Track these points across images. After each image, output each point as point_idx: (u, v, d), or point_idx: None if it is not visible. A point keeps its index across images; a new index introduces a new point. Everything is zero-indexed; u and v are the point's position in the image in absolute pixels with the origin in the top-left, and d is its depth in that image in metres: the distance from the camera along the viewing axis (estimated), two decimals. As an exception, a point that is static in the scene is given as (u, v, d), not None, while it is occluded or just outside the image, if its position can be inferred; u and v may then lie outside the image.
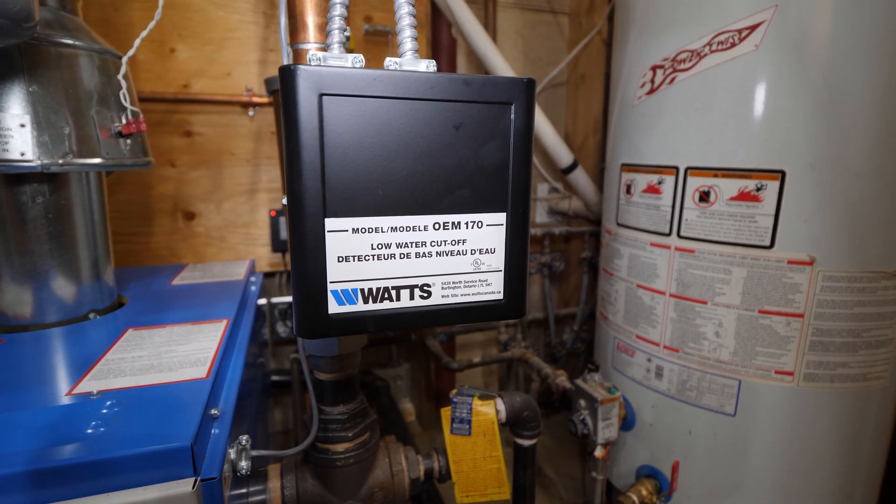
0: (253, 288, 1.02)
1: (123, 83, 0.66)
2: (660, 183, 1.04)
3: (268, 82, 0.94)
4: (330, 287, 0.35)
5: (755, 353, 0.93)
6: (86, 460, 0.39)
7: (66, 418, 0.45)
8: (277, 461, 0.64)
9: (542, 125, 1.54)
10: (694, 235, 0.98)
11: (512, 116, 0.36)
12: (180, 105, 1.32)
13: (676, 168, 0.99)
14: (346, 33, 0.39)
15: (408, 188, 0.35)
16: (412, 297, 0.37)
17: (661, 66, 1.00)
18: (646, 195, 1.08)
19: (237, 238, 1.50)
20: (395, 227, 0.35)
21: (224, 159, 1.42)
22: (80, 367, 0.55)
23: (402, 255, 0.36)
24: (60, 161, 0.61)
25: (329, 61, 0.34)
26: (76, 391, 0.49)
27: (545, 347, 2.01)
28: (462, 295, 0.38)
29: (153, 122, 1.29)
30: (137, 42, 0.68)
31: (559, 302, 2.01)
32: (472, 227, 0.37)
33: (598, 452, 1.14)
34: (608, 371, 1.24)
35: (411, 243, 0.36)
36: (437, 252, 0.37)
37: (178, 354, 0.59)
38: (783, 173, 0.86)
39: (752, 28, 0.86)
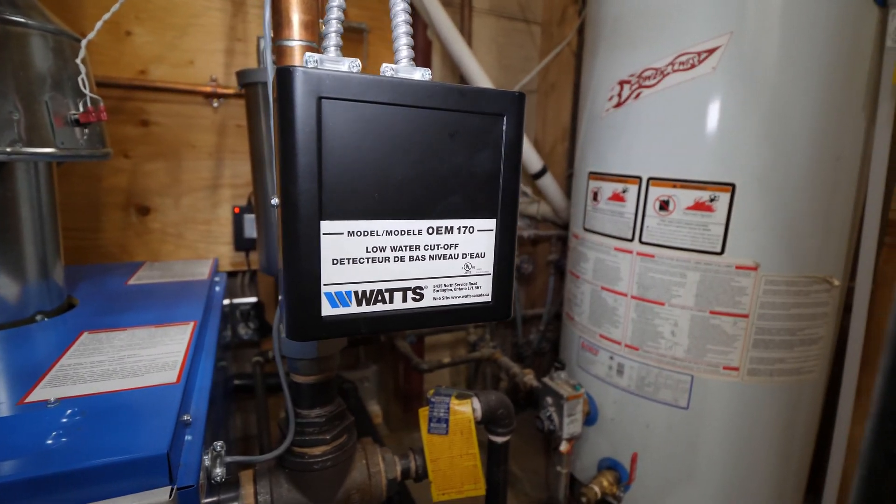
0: (217, 288, 0.98)
1: (83, 68, 0.62)
2: (624, 191, 1.09)
3: (240, 75, 0.91)
4: (324, 289, 0.35)
5: (706, 351, 1.00)
6: (46, 474, 0.37)
7: (21, 429, 0.42)
8: (250, 467, 0.63)
9: (511, 130, 1.57)
10: (654, 241, 1.03)
11: (504, 127, 0.37)
12: (136, 92, 1.25)
13: (640, 178, 1.05)
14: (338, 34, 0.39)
15: (403, 193, 0.35)
16: (405, 300, 0.37)
17: (628, 82, 1.05)
18: (611, 202, 1.13)
19: (196, 235, 1.43)
20: (390, 231, 0.36)
21: (184, 152, 1.36)
22: (31, 374, 0.51)
23: (396, 259, 0.37)
24: (8, 149, 0.56)
25: (326, 64, 0.34)
26: (29, 400, 0.46)
27: (512, 347, 2.05)
28: (453, 297, 0.39)
29: (105, 110, 1.22)
30: (99, 24, 0.64)
31: (526, 303, 2.06)
32: (464, 232, 0.38)
33: (564, 447, 1.18)
34: (573, 369, 1.29)
35: (405, 247, 0.37)
36: (429, 255, 0.38)
37: (142, 359, 0.56)
38: (734, 186, 0.93)
39: (710, 51, 0.92)
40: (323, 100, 0.31)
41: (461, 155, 0.36)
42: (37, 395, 0.47)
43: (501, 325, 2.03)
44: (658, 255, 1.03)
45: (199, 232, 1.44)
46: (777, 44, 0.88)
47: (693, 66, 0.94)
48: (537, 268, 1.99)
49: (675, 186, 0.99)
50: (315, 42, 0.54)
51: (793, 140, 0.90)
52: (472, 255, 0.39)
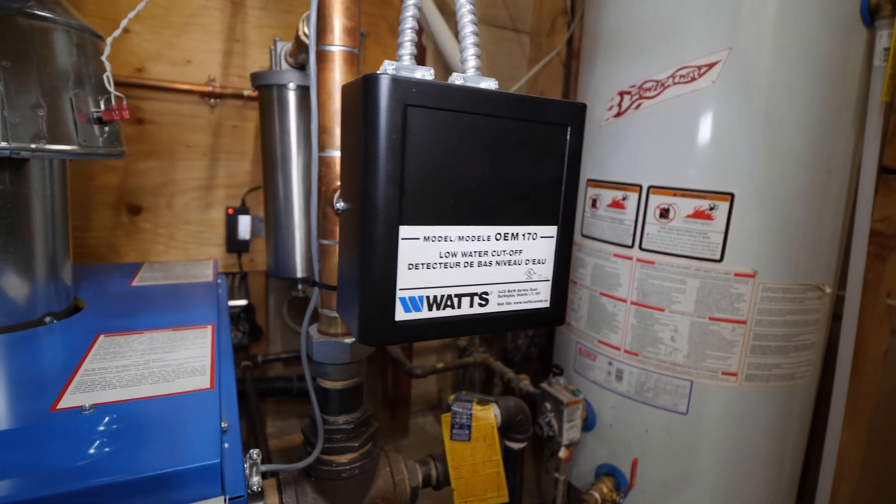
0: (221, 291, 0.95)
1: (107, 65, 0.60)
2: (624, 199, 1.12)
3: (255, 76, 0.89)
4: (398, 294, 0.35)
5: (705, 356, 1.03)
6: (94, 485, 0.35)
7: (60, 437, 0.40)
8: (274, 476, 0.61)
9: (509, 138, 1.59)
10: (654, 248, 1.07)
11: (568, 137, 0.38)
12: (133, 90, 1.22)
13: (640, 186, 1.08)
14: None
15: (475, 199, 0.36)
16: (472, 305, 0.38)
17: (629, 93, 1.09)
18: (611, 209, 1.16)
19: (187, 236, 1.40)
20: (462, 236, 0.36)
21: (178, 151, 1.33)
22: (56, 379, 0.49)
23: (466, 264, 0.37)
24: (32, 146, 0.54)
25: (402, 72, 0.34)
26: (61, 406, 0.44)
27: (501, 352, 2.06)
28: (515, 303, 0.40)
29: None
30: (124, 22, 0.62)
31: (514, 308, 2.07)
32: (528, 239, 0.39)
33: (563, 453, 1.19)
34: (570, 374, 1.31)
35: (475, 252, 0.37)
36: (496, 261, 0.38)
37: (168, 363, 0.54)
38: (733, 195, 0.97)
39: (710, 66, 0.96)
40: (408, 107, 0.32)
41: (528, 163, 0.37)
42: (68, 401, 0.45)
43: (493, 331, 2.04)
44: (658, 261, 1.06)
45: (191, 233, 1.40)
46: (771, 60, 0.93)
47: (693, 79, 0.98)
48: (530, 274, 2.01)
49: (675, 195, 1.03)
50: (356, 48, 0.54)
51: (788, 152, 0.95)
52: (534, 261, 0.40)
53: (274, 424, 1.69)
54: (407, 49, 0.36)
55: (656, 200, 1.06)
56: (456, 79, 0.37)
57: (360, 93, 0.32)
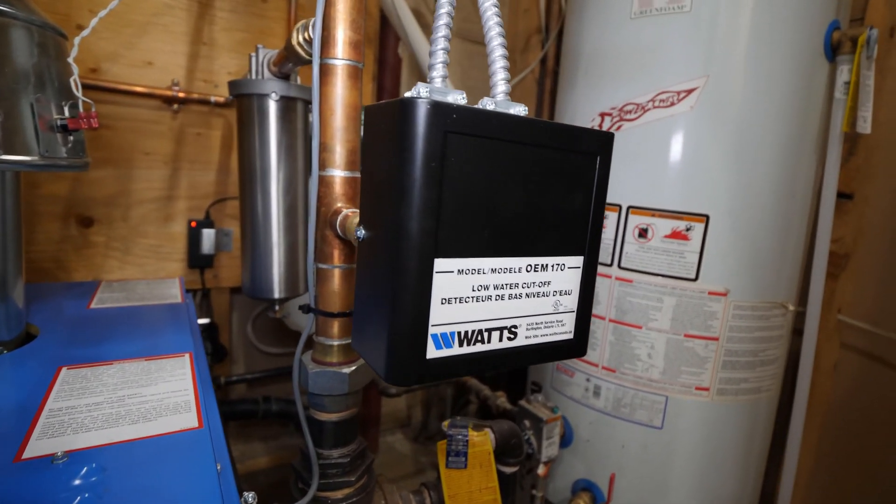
0: (191, 312, 0.88)
1: (75, 68, 0.54)
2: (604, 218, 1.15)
3: (233, 85, 0.84)
4: (431, 330, 0.33)
5: (680, 372, 1.06)
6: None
7: (32, 494, 0.34)
8: (260, 517, 0.56)
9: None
10: (632, 267, 1.09)
11: (597, 166, 0.38)
12: (87, 92, 1.11)
13: (620, 206, 1.11)
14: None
15: (508, 230, 0.34)
16: (500, 339, 0.36)
17: (609, 114, 1.12)
18: (589, 228, 1.18)
19: (144, 251, 1.30)
20: (494, 269, 0.35)
21: (136, 159, 1.24)
22: (16, 422, 0.42)
23: (497, 297, 0.35)
24: (-13, 157, 0.48)
25: (434, 95, 0.32)
26: (27, 455, 0.38)
27: (473, 367, 2.05)
28: (541, 335, 0.38)
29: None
30: (95, 21, 0.56)
31: (487, 322, 2.07)
32: (556, 270, 0.38)
33: (541, 470, 1.19)
34: (547, 391, 1.31)
35: (506, 285, 0.36)
36: (525, 293, 0.37)
37: (147, 399, 0.49)
38: (707, 217, 1.01)
39: (689, 91, 1.00)
40: (449, 134, 0.30)
41: (558, 192, 0.36)
42: (35, 448, 0.38)
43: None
44: (636, 280, 1.09)
45: (148, 247, 1.31)
46: (743, 89, 0.98)
47: (673, 103, 1.02)
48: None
49: (653, 215, 1.06)
50: (361, 62, 0.51)
51: (758, 177, 1.00)
52: (561, 293, 0.39)
53: (236, 448, 1.59)
54: (439, 71, 0.35)
55: (635, 220, 1.09)
56: (487, 104, 0.35)
57: (397, 117, 0.30)
